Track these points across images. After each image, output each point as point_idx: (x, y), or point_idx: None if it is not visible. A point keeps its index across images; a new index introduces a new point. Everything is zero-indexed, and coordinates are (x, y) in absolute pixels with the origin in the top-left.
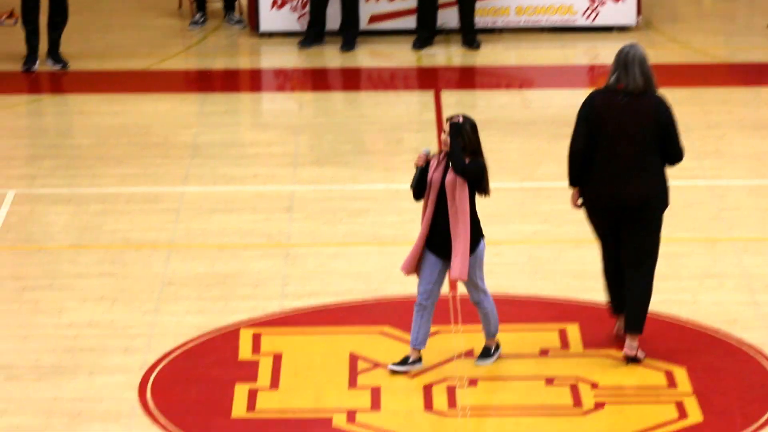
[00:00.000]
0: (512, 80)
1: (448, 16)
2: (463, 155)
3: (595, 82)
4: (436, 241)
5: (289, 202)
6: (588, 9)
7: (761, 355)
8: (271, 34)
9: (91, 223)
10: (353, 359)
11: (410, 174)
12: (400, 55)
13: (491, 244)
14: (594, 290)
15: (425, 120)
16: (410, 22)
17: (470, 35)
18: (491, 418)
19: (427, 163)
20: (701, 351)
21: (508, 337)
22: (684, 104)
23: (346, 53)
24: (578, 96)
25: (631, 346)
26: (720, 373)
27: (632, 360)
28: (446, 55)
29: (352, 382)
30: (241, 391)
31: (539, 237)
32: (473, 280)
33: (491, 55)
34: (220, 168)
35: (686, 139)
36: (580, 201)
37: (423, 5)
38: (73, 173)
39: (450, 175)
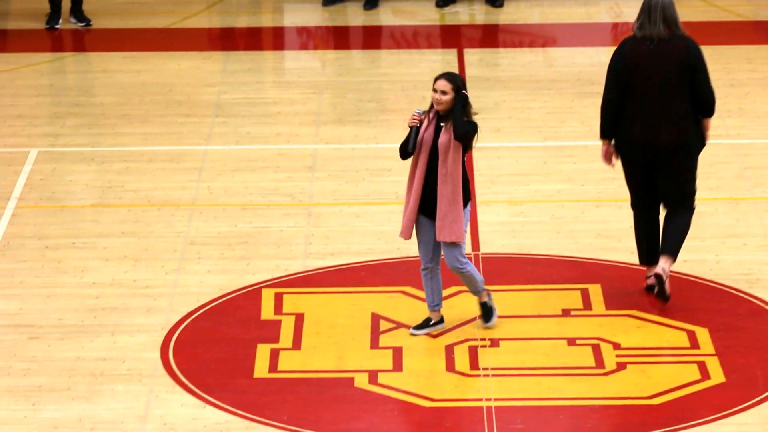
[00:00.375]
0: (535, 38)
1: None
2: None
3: (618, 40)
4: (428, 203)
5: (311, 161)
6: None
7: None
8: None
9: (113, 181)
10: (375, 319)
11: None
12: (423, 14)
13: (514, 204)
14: (617, 250)
15: None
16: None
17: None
18: (513, 378)
19: (421, 122)
20: (724, 311)
21: (530, 297)
22: (708, 62)
23: (369, 11)
24: (602, 54)
25: (663, 267)
26: (742, 333)
27: (660, 284)
28: (469, 13)
29: (374, 343)
30: (263, 351)
31: (562, 196)
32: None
33: (514, 13)
34: (242, 127)
35: None
36: (613, 158)
37: None
38: (96, 132)
39: (444, 136)
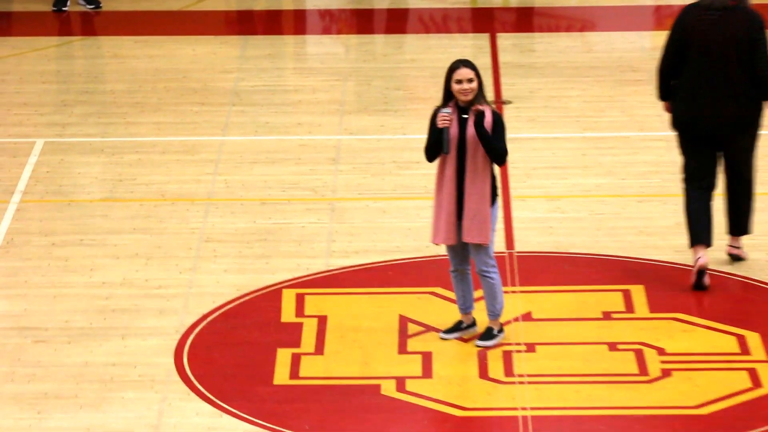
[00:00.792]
0: (573, 22)
1: None
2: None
3: (662, 24)
4: (457, 202)
5: (335, 152)
6: None
7: None
8: None
9: (124, 174)
10: (403, 322)
11: None
12: None
13: (550, 199)
14: (661, 248)
15: (480, 65)
16: None
17: None
18: (550, 385)
19: (451, 121)
20: None
21: (568, 298)
22: None
23: None
24: (644, 39)
25: (734, 246)
26: None
27: (736, 259)
28: None
29: (402, 347)
30: (283, 356)
31: (602, 191)
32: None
33: None
34: (261, 116)
35: None
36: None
37: None
38: (106, 121)
39: (471, 129)
